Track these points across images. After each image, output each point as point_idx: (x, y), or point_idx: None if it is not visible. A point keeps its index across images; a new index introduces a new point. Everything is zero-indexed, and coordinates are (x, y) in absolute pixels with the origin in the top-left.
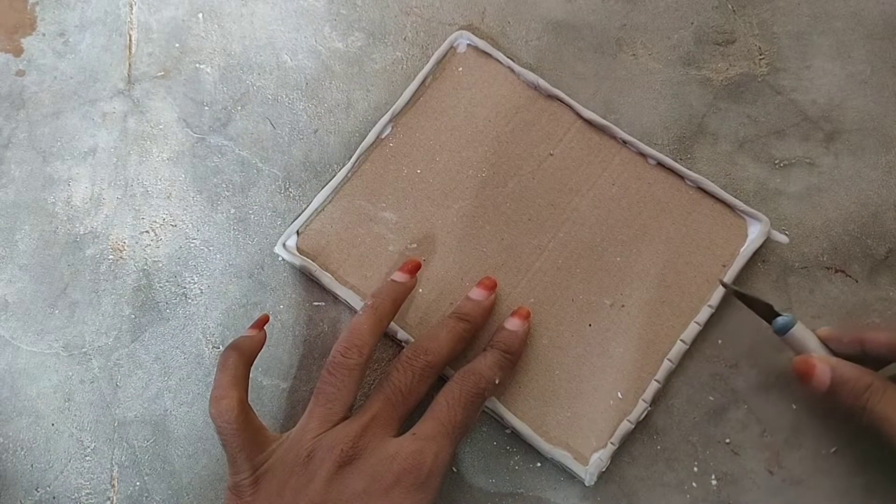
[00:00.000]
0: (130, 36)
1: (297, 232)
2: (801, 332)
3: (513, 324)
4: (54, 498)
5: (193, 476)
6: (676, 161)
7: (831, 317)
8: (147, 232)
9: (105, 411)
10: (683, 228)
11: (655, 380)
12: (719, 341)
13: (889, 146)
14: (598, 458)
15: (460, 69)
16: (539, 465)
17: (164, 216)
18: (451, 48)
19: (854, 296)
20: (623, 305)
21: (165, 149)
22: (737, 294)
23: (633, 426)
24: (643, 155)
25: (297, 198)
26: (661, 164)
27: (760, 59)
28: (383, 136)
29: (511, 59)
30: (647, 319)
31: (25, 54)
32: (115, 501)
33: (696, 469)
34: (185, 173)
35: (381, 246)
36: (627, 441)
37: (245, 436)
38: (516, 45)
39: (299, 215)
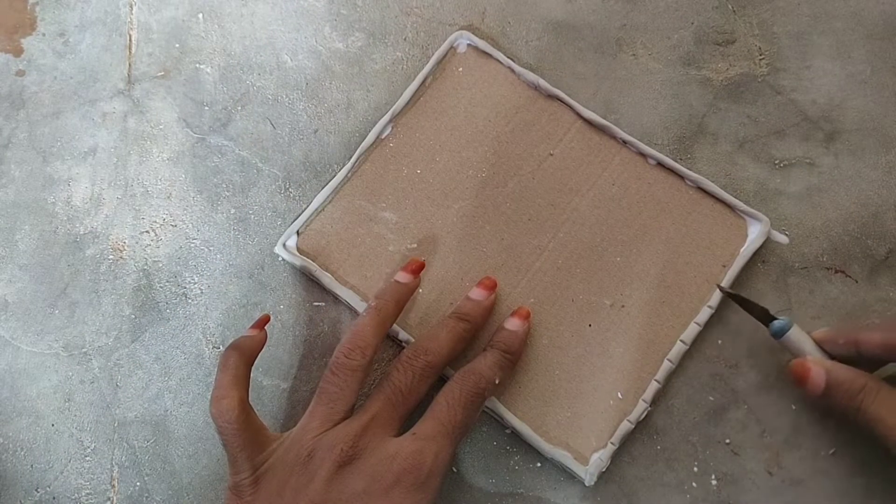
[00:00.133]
0: (130, 36)
1: (298, 232)
2: (797, 335)
3: (513, 324)
4: (54, 498)
5: (193, 476)
6: (676, 161)
7: (831, 317)
8: (147, 232)
9: (105, 411)
10: (683, 228)
11: (655, 380)
12: (719, 342)
13: (889, 146)
14: (598, 458)
15: (460, 69)
16: (539, 465)
17: (165, 216)
18: (452, 48)
19: (854, 296)
20: (623, 305)
21: (165, 149)
22: (733, 297)
23: (633, 426)
24: (643, 155)
25: (297, 198)
26: (661, 164)
27: (760, 59)
28: (383, 136)
29: (511, 59)
30: (647, 319)
31: (25, 54)
32: (115, 501)
33: (696, 469)
34: (185, 173)
35: (381, 246)
36: (627, 441)
37: (246, 435)
38: (516, 45)
39: (299, 215)
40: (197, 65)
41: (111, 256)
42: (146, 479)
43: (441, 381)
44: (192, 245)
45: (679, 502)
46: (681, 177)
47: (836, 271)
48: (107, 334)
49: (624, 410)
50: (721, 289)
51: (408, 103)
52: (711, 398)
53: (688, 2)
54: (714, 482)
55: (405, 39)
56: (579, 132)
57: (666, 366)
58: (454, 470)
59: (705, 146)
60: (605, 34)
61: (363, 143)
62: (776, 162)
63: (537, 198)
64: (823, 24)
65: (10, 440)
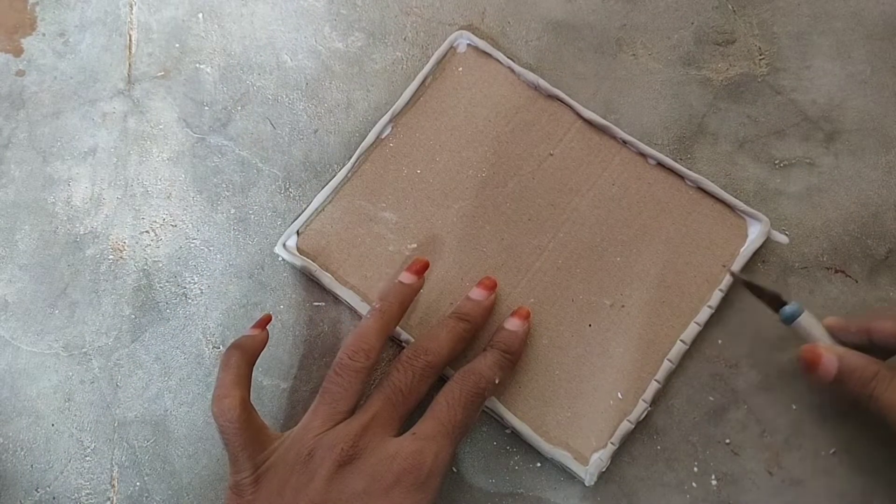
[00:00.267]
0: (130, 36)
1: (298, 232)
2: (808, 321)
3: (513, 324)
4: (54, 498)
5: (193, 476)
6: (676, 161)
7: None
8: (147, 232)
9: (105, 411)
10: (683, 228)
11: (655, 380)
12: (719, 341)
13: (889, 146)
14: (598, 458)
15: (460, 69)
16: (539, 465)
17: (164, 216)
18: (451, 48)
19: (854, 296)
20: (623, 305)
21: (165, 149)
22: (745, 283)
23: (633, 426)
24: (643, 155)
25: (297, 198)
26: (661, 164)
27: (760, 59)
28: (383, 136)
29: (511, 59)
30: (647, 319)
31: (25, 54)
32: (115, 501)
33: (696, 469)
34: (185, 173)
35: (381, 246)
36: (627, 441)
37: (247, 435)
38: (516, 45)
39: (299, 215)
40: (197, 65)
41: (111, 256)
42: (146, 479)
43: (441, 381)
44: (192, 245)
45: (679, 502)
46: (681, 177)
47: (836, 271)
48: (107, 334)
49: (624, 410)
50: (732, 273)
51: (408, 103)
52: (711, 398)
53: (688, 2)
54: (714, 482)
55: (405, 39)
56: (579, 132)
57: (666, 366)
58: (454, 470)
59: (705, 146)
60: (605, 34)
61: (363, 143)
62: (776, 162)
63: (537, 198)
64: (823, 24)
65: (10, 440)
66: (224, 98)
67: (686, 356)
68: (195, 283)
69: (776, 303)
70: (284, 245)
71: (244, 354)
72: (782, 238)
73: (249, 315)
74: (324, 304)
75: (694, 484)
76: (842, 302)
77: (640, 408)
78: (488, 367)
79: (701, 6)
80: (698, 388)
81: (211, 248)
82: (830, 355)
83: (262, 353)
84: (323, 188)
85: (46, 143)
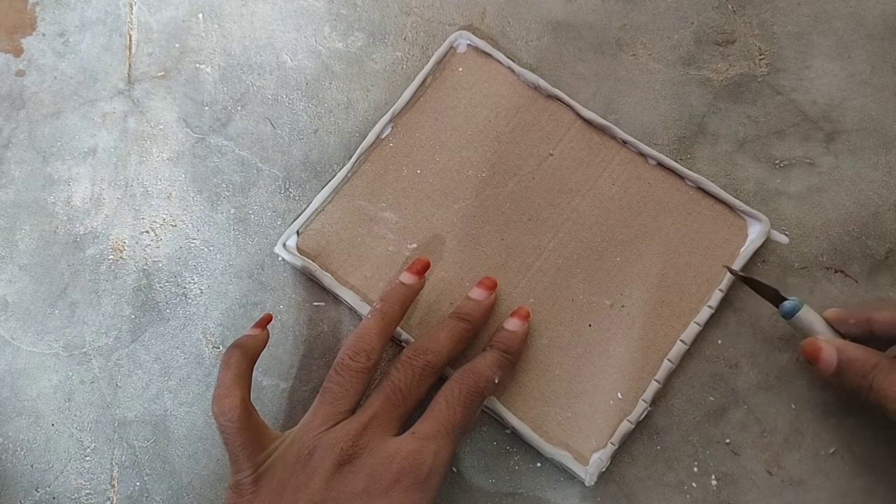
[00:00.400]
0: (130, 36)
1: (298, 232)
2: (807, 314)
3: (512, 324)
4: (54, 498)
5: (193, 476)
6: (676, 161)
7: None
8: (147, 232)
9: (105, 411)
10: (683, 228)
11: (655, 380)
12: (719, 341)
13: (889, 146)
14: (598, 459)
15: (460, 69)
16: (539, 465)
17: (164, 216)
18: (451, 48)
19: (854, 296)
20: (623, 306)
21: (165, 149)
22: (744, 279)
23: (633, 426)
24: (643, 155)
25: (297, 198)
26: (661, 164)
27: (760, 59)
28: (383, 136)
29: (511, 59)
30: (647, 320)
31: (25, 54)
32: (115, 501)
33: (696, 469)
34: (185, 173)
35: (381, 246)
36: (627, 441)
37: (247, 434)
38: (516, 45)
39: (299, 215)
40: (197, 65)
41: (111, 256)
42: (146, 479)
43: (441, 381)
44: (192, 245)
45: (679, 502)
46: (681, 177)
47: (836, 271)
48: (107, 334)
49: (624, 410)
50: (731, 270)
51: (408, 103)
52: (711, 398)
53: (688, 2)
54: (714, 482)
55: (405, 39)
56: (579, 132)
57: (666, 366)
58: (454, 470)
59: (705, 146)
60: (605, 34)
61: (363, 143)
62: (776, 162)
63: (537, 198)
64: (823, 24)
65: (10, 440)
66: (224, 98)
67: (686, 356)
68: (195, 283)
69: (776, 298)
70: (284, 245)
71: (245, 354)
72: (782, 238)
73: (249, 315)
74: (324, 304)
75: (694, 484)
76: (841, 302)
77: (640, 408)
78: (488, 367)
79: (701, 6)
80: (698, 388)
81: (211, 248)
82: (830, 348)
83: (262, 353)
84: (323, 188)
85: (46, 143)
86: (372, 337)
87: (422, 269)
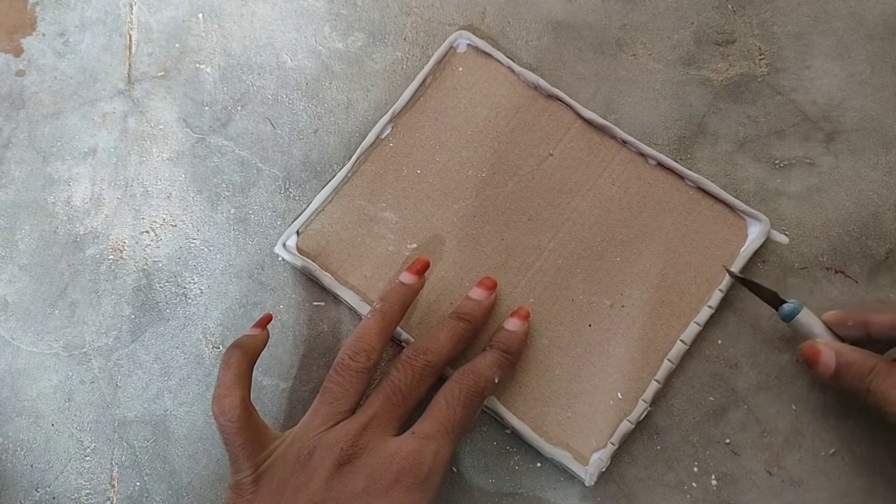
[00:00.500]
0: (130, 36)
1: (298, 232)
2: (806, 317)
3: (512, 324)
4: (54, 498)
5: (193, 476)
6: (676, 161)
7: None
8: (147, 232)
9: (105, 411)
10: (683, 228)
11: (655, 380)
12: (719, 342)
13: (889, 146)
14: (598, 459)
15: (460, 69)
16: (539, 465)
17: (164, 216)
18: (451, 48)
19: (854, 296)
20: (623, 306)
21: (165, 149)
22: (743, 281)
23: (633, 426)
24: (643, 155)
25: (297, 198)
26: (661, 164)
27: (760, 59)
28: (383, 136)
29: (511, 59)
30: (647, 319)
31: (25, 54)
32: (115, 501)
33: (696, 469)
34: (185, 173)
35: (381, 246)
36: (627, 441)
37: (247, 434)
38: (516, 45)
39: (299, 215)
40: (197, 65)
41: (111, 256)
42: (146, 479)
43: (441, 381)
44: (192, 245)
45: (679, 502)
46: (681, 177)
47: (836, 271)
48: (107, 334)
49: (624, 410)
50: (730, 272)
51: (408, 103)
52: (711, 398)
53: (688, 2)
54: (714, 482)
55: (405, 39)
56: (579, 132)
57: (666, 366)
58: (454, 470)
59: (705, 146)
60: (605, 34)
61: (363, 143)
62: (776, 162)
63: (537, 198)
64: (823, 24)
65: (10, 440)
66: (224, 98)
67: (686, 356)
68: (195, 283)
69: (775, 300)
70: (284, 245)
71: (245, 354)
72: (782, 238)
73: (249, 315)
74: (324, 304)
75: (694, 484)
76: (841, 303)
77: (640, 408)
78: (487, 367)
79: (701, 6)
80: (698, 388)
81: (211, 248)
82: (828, 350)
83: (262, 353)
84: (323, 188)
85: (46, 143)
86: (372, 337)
87: (422, 269)
